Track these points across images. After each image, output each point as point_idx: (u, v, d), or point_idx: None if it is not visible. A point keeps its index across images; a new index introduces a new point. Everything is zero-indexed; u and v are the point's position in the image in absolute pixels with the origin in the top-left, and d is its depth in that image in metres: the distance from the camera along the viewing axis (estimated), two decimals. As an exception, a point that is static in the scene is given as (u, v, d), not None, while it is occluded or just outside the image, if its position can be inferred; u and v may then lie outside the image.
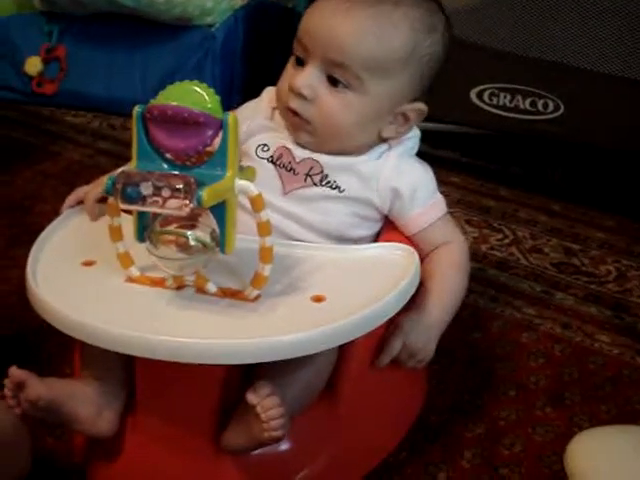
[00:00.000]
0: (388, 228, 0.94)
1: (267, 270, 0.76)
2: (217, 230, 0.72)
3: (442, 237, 0.93)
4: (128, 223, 0.78)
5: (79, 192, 0.95)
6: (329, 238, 0.91)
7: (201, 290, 0.78)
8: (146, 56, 2.00)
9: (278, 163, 0.92)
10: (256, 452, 0.80)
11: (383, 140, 0.93)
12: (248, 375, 0.80)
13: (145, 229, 0.74)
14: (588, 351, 1.17)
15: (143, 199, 0.68)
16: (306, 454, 0.86)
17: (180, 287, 0.79)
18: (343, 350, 0.83)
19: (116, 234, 0.79)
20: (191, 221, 0.73)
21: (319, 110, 0.88)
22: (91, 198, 0.92)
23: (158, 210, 0.69)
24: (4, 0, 2.17)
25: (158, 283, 0.80)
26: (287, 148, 0.92)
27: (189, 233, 0.72)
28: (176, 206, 0.67)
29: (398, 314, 0.82)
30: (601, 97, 1.49)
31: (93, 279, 0.82)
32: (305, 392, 0.82)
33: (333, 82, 0.88)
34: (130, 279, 0.81)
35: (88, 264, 0.84)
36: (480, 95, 1.58)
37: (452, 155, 1.73)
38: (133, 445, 0.85)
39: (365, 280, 0.83)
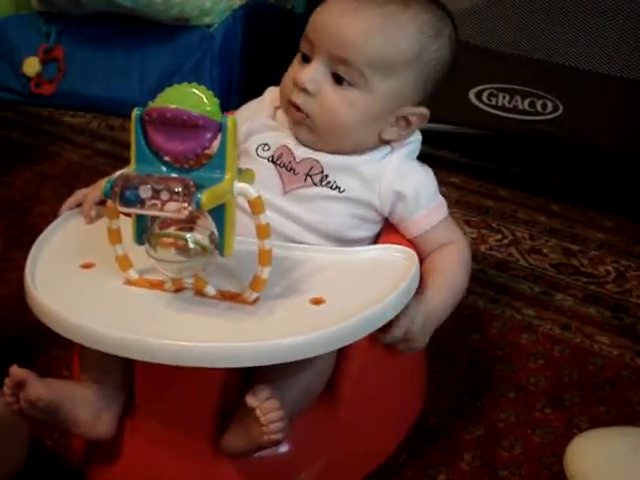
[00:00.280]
0: (388, 230, 0.94)
1: (266, 273, 0.75)
2: (216, 233, 0.72)
3: (444, 238, 0.93)
4: (127, 225, 0.78)
5: (78, 194, 0.95)
6: (328, 239, 0.91)
7: (200, 293, 0.78)
8: (144, 56, 2.00)
9: (278, 162, 0.92)
10: (255, 455, 0.80)
11: (385, 142, 0.93)
12: (247, 378, 0.80)
13: (144, 232, 0.74)
14: (587, 352, 1.17)
15: (142, 202, 0.68)
16: (305, 456, 0.86)
17: (179, 290, 0.79)
18: (342, 352, 0.82)
19: (115, 237, 0.79)
20: (190, 224, 0.73)
21: (321, 105, 0.88)
22: (90, 201, 0.92)
23: (157, 213, 0.68)
24: (2, 1, 2.17)
25: (157, 286, 0.80)
26: (288, 148, 0.92)
27: (188, 236, 0.72)
28: (175, 209, 0.67)
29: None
30: (600, 98, 1.49)
31: (92, 282, 0.82)
32: (304, 395, 0.81)
33: (338, 79, 0.88)
34: (129, 282, 0.81)
35: (87, 266, 0.84)
36: (479, 95, 1.58)
37: (451, 155, 1.73)
38: (132, 448, 0.85)
39: (364, 282, 0.82)
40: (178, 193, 0.67)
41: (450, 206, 0.97)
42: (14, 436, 0.84)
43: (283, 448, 0.82)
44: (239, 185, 0.72)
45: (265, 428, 0.74)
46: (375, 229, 0.94)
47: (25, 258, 0.85)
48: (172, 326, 0.75)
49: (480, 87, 1.58)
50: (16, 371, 0.78)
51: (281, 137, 0.93)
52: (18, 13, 2.15)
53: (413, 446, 0.97)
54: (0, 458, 0.82)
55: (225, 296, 0.78)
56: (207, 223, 0.72)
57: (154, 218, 0.73)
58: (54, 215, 0.94)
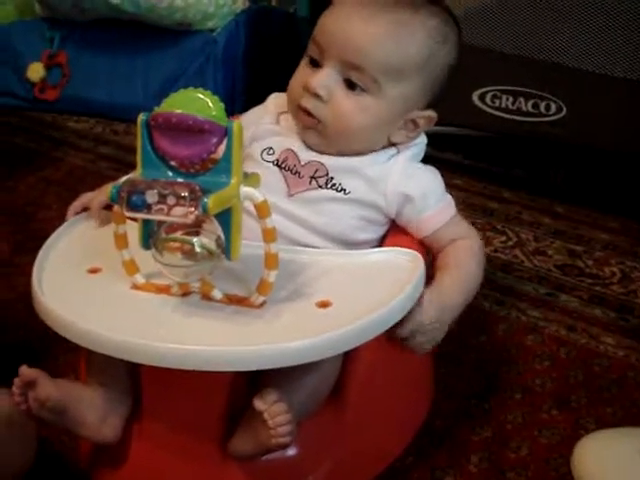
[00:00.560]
0: (393, 232, 0.94)
1: (272, 276, 0.76)
2: (222, 237, 0.72)
3: (455, 235, 0.93)
4: (133, 230, 0.78)
5: (84, 198, 0.95)
6: (334, 241, 0.91)
7: (207, 297, 0.78)
8: (148, 61, 2.01)
9: (283, 166, 0.92)
10: (263, 458, 0.80)
11: (391, 144, 0.93)
12: (254, 381, 0.80)
13: (150, 236, 0.74)
14: (593, 353, 1.16)
15: (148, 207, 0.68)
16: (312, 459, 0.86)
17: (185, 294, 0.79)
18: (349, 355, 0.82)
19: (121, 241, 0.79)
20: (196, 228, 0.73)
21: (333, 111, 0.89)
22: (96, 205, 0.92)
23: (163, 218, 0.69)
24: (6, 7, 2.17)
25: (163, 290, 0.80)
26: (292, 151, 0.92)
27: (194, 240, 0.72)
28: (181, 214, 0.67)
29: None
30: (603, 99, 1.49)
31: (99, 286, 0.82)
32: (311, 398, 0.81)
33: (350, 85, 0.89)
34: (135, 286, 0.81)
35: (94, 271, 0.84)
36: (482, 97, 1.58)
37: (455, 157, 1.73)
38: (139, 451, 0.85)
39: (371, 285, 0.82)
40: (184, 198, 0.67)
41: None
42: (23, 436, 0.84)
43: (290, 451, 0.82)
44: (245, 189, 0.72)
45: (273, 431, 0.74)
46: (380, 231, 0.94)
47: (31, 263, 0.85)
48: (179, 330, 0.75)
49: (484, 89, 1.58)
50: (26, 371, 0.79)
51: (285, 141, 0.94)
52: (22, 19, 2.16)
53: (420, 448, 0.97)
54: (9, 457, 0.83)
55: (232, 300, 0.78)
56: (213, 227, 0.72)
57: (160, 223, 0.73)
58: (59, 220, 0.94)
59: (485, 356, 1.15)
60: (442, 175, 0.96)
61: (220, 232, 0.72)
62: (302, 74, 0.92)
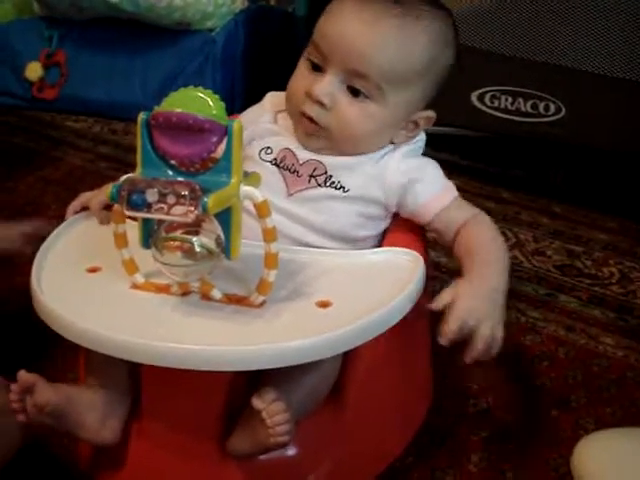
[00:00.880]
0: (393, 231, 0.94)
1: (272, 276, 0.75)
2: (222, 236, 0.72)
3: (461, 215, 0.91)
4: (132, 229, 0.78)
5: (83, 198, 0.95)
6: (333, 239, 0.91)
7: (206, 296, 0.78)
8: (146, 61, 2.01)
9: (281, 165, 0.92)
10: (262, 457, 0.80)
11: (391, 143, 0.94)
12: (253, 380, 0.80)
13: (150, 235, 0.74)
14: (592, 354, 1.17)
15: (148, 206, 0.67)
16: (312, 459, 0.86)
17: (185, 293, 0.79)
18: (348, 355, 0.82)
19: (121, 241, 0.79)
20: (196, 227, 0.73)
21: (337, 118, 0.88)
22: (96, 205, 0.92)
23: (163, 217, 0.68)
24: (4, 5, 2.17)
25: (163, 289, 0.80)
26: (290, 150, 0.92)
27: (194, 239, 0.72)
28: (181, 213, 0.67)
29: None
30: (603, 99, 1.49)
31: (98, 286, 0.82)
32: (311, 397, 0.81)
33: (353, 92, 0.88)
34: (135, 286, 0.81)
35: (93, 271, 0.84)
36: (481, 98, 1.58)
37: (451, 158, 1.73)
38: (139, 452, 0.85)
39: (371, 285, 0.82)
40: (184, 197, 0.67)
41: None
42: (5, 425, 0.84)
43: (290, 451, 0.82)
44: (245, 189, 0.72)
45: (271, 430, 0.74)
46: (380, 227, 0.94)
47: (30, 263, 0.85)
48: (178, 330, 0.75)
49: (482, 89, 1.58)
50: (25, 376, 0.78)
51: (283, 141, 0.94)
52: (20, 18, 2.16)
53: (420, 448, 0.97)
54: None
55: (231, 299, 0.78)
56: (213, 226, 0.72)
57: (160, 222, 0.73)
58: (58, 219, 0.94)
59: (484, 356, 1.15)
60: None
61: (220, 231, 0.72)
62: (303, 79, 0.91)
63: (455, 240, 0.91)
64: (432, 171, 0.94)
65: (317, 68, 0.90)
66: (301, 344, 0.73)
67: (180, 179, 0.70)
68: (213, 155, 0.71)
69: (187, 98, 0.70)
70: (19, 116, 2.06)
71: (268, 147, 0.94)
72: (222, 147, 0.71)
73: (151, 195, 0.67)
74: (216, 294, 0.78)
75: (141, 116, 0.72)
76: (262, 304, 0.78)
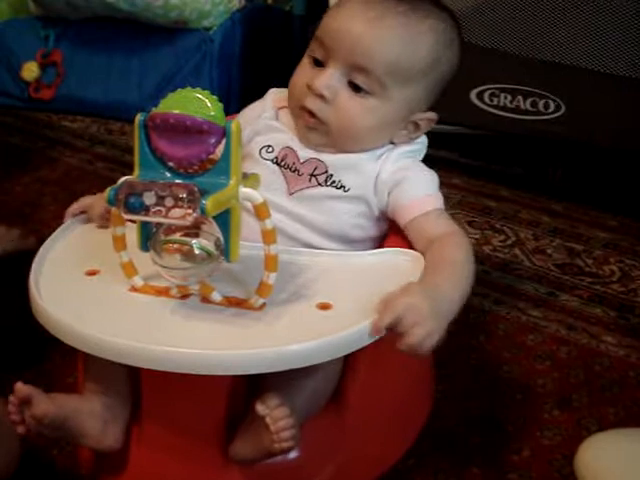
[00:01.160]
0: (394, 232, 0.93)
1: (272, 278, 0.75)
2: (221, 238, 0.71)
3: (436, 229, 0.87)
4: (130, 232, 0.77)
5: (82, 202, 0.94)
6: (333, 239, 0.90)
7: (206, 299, 0.78)
8: (143, 60, 2.00)
9: (282, 164, 0.92)
10: (263, 462, 0.79)
11: (391, 143, 0.93)
12: (254, 384, 0.79)
13: (149, 238, 0.73)
14: (594, 353, 1.16)
15: (146, 209, 0.67)
16: (314, 463, 0.85)
17: (185, 296, 0.78)
18: (349, 357, 0.81)
19: (120, 243, 0.78)
20: (195, 230, 0.72)
21: (337, 112, 0.88)
22: (96, 214, 0.91)
23: (161, 220, 0.68)
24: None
25: (162, 292, 0.79)
26: (291, 149, 0.92)
27: (193, 242, 0.71)
28: (180, 215, 0.66)
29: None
30: (602, 97, 1.48)
31: (97, 289, 0.81)
32: (312, 401, 0.81)
33: (354, 87, 0.88)
34: (134, 288, 0.80)
35: (92, 274, 0.84)
36: (480, 96, 1.58)
37: (451, 156, 1.72)
38: (140, 457, 0.84)
39: (371, 286, 0.81)
40: (182, 199, 0.66)
41: (452, 207, 0.97)
42: (6, 436, 0.83)
43: (292, 455, 0.81)
44: (244, 190, 0.71)
45: (276, 436, 0.73)
46: (381, 228, 0.93)
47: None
48: (178, 333, 0.74)
49: (481, 87, 1.57)
50: (22, 388, 0.77)
51: (285, 138, 0.93)
52: (16, 17, 2.15)
53: (422, 451, 0.96)
54: None
55: (231, 302, 0.78)
56: (212, 229, 0.71)
57: (159, 225, 0.72)
58: (56, 221, 0.93)
59: (485, 356, 1.14)
60: (440, 174, 0.94)
61: (219, 234, 0.71)
62: (305, 74, 0.90)
63: (425, 251, 0.86)
64: (421, 176, 0.92)
65: (319, 64, 0.90)
66: (302, 347, 0.72)
67: (178, 181, 0.69)
68: (211, 157, 0.71)
69: (185, 99, 0.69)
70: (15, 116, 2.05)
71: (269, 145, 0.93)
72: (220, 148, 0.70)
73: (149, 198, 0.66)
74: (216, 297, 0.77)
75: (138, 117, 0.71)
76: (262, 307, 0.77)
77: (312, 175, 0.91)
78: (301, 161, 0.91)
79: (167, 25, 1.97)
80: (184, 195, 0.66)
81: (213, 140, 0.68)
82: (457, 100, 1.56)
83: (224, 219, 0.71)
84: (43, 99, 2.06)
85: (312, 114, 0.89)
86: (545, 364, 1.13)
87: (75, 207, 0.94)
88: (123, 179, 0.71)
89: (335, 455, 0.86)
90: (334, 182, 0.90)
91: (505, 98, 1.56)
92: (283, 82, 0.95)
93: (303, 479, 0.86)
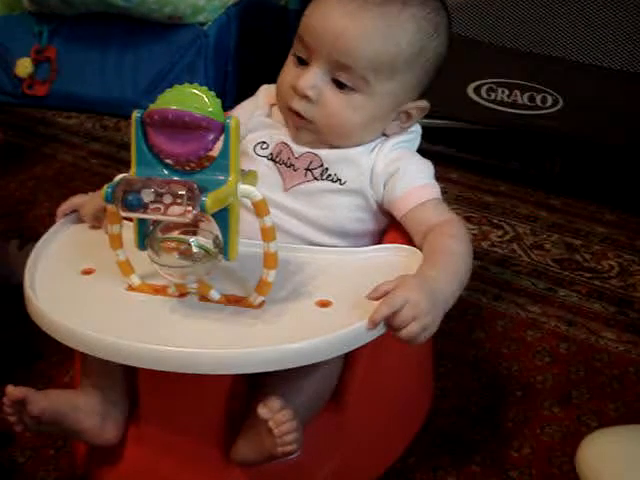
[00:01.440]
0: (393, 226, 0.92)
1: (272, 276, 0.74)
2: (220, 236, 0.70)
3: (435, 217, 0.86)
4: (126, 230, 0.77)
5: (73, 200, 0.93)
6: (331, 233, 0.90)
7: (204, 297, 0.77)
8: (138, 56, 1.99)
9: (277, 160, 0.91)
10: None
11: (384, 135, 0.92)
12: (254, 383, 0.78)
13: (146, 236, 0.72)
14: (594, 348, 1.15)
15: (145, 206, 0.66)
16: (314, 462, 0.84)
17: (183, 295, 0.77)
18: (349, 356, 0.81)
19: (116, 241, 0.77)
20: (193, 227, 0.71)
21: (324, 111, 0.87)
22: (89, 213, 0.90)
23: (160, 217, 0.67)
24: (-8, 2, 2.15)
25: (160, 291, 0.78)
26: (286, 144, 0.91)
27: (192, 240, 0.70)
28: (178, 213, 0.65)
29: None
30: (600, 91, 1.48)
31: (93, 288, 0.80)
32: (313, 400, 0.80)
33: (339, 85, 0.87)
34: (131, 287, 0.79)
35: (87, 273, 0.83)
36: (477, 90, 1.57)
37: (448, 151, 1.71)
38: (136, 455, 0.83)
39: (370, 283, 0.80)
40: (182, 196, 0.65)
41: (450, 202, 0.96)
42: None
43: (292, 455, 0.81)
44: (243, 187, 0.70)
45: (279, 440, 0.72)
46: (379, 222, 0.92)
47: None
48: (177, 332, 0.73)
49: (478, 82, 1.56)
50: (14, 391, 0.76)
51: (279, 134, 0.92)
52: (9, 13, 2.13)
53: (421, 448, 0.96)
54: None
55: (230, 300, 0.77)
56: (211, 226, 0.70)
57: (155, 222, 0.71)
58: (50, 218, 0.92)
59: (484, 353, 1.14)
60: (437, 169, 0.93)
61: (218, 231, 0.70)
62: (290, 74, 0.89)
63: (423, 243, 0.85)
64: (415, 166, 0.91)
65: (303, 62, 0.88)
66: (302, 346, 0.71)
67: (176, 178, 0.68)
68: (209, 153, 0.70)
69: (182, 95, 0.68)
70: (9, 113, 2.04)
71: (263, 141, 0.92)
72: (219, 145, 0.69)
73: (147, 195, 0.65)
74: (214, 295, 0.76)
75: (135, 114, 0.70)
76: (261, 304, 0.76)
77: (308, 169, 0.90)
78: (296, 156, 0.90)
79: (161, 20, 1.95)
80: (183, 192, 0.65)
81: (212, 136, 0.67)
82: (454, 95, 1.55)
83: (223, 217, 0.70)
84: (37, 95, 2.04)
85: (299, 115, 0.88)
86: (544, 360, 1.13)
87: (66, 206, 0.92)
88: (120, 176, 0.70)
89: (335, 454, 0.86)
90: (330, 176, 0.89)
91: (502, 93, 1.55)
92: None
93: (302, 478, 0.85)
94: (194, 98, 0.68)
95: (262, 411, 0.72)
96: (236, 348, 0.71)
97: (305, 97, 0.87)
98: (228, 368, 0.71)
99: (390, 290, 0.74)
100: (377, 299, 0.74)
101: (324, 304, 0.77)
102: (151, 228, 0.72)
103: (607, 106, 1.48)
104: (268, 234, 0.72)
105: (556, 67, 1.49)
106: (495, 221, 1.53)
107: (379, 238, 0.93)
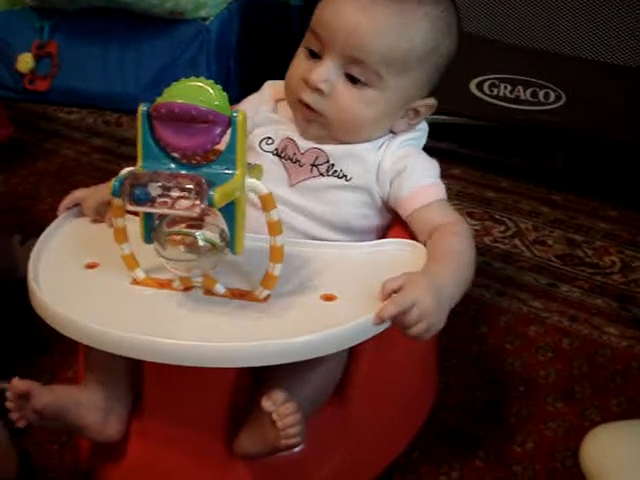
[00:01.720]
0: (397, 222, 0.92)
1: (278, 270, 0.74)
2: (227, 230, 0.70)
3: (440, 218, 0.87)
4: (129, 224, 0.77)
5: (76, 194, 0.92)
6: (336, 229, 0.90)
7: (209, 291, 0.77)
8: (139, 51, 1.99)
9: (283, 155, 0.91)
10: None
11: (391, 131, 0.92)
12: (258, 376, 0.78)
13: (152, 230, 0.72)
14: (597, 344, 1.16)
15: (152, 200, 0.66)
16: (317, 456, 0.85)
17: (188, 289, 0.77)
18: (353, 350, 0.81)
19: (121, 235, 0.77)
20: (198, 221, 0.71)
21: (335, 105, 0.87)
22: (90, 208, 0.90)
23: (168, 211, 0.67)
24: (-7, -3, 2.14)
25: (165, 285, 0.78)
26: (291, 139, 0.91)
27: (198, 233, 0.70)
28: (186, 206, 0.65)
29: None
30: (603, 87, 1.47)
31: (98, 282, 0.80)
32: (317, 394, 0.80)
33: (351, 79, 0.86)
34: (136, 281, 0.79)
35: (91, 267, 0.82)
36: (480, 86, 1.57)
37: (450, 146, 1.71)
38: (140, 450, 0.83)
39: (375, 277, 0.80)
40: (190, 190, 0.65)
41: (452, 198, 0.95)
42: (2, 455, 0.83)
43: (296, 448, 0.81)
44: (249, 181, 0.71)
45: (282, 432, 0.72)
46: (384, 218, 0.92)
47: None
48: (182, 326, 0.73)
49: (481, 77, 1.56)
50: (18, 383, 0.76)
51: (284, 130, 0.92)
52: (11, 8, 2.13)
53: (425, 443, 0.96)
54: None
55: (235, 294, 0.77)
56: (217, 220, 0.70)
57: (161, 216, 0.71)
58: (53, 213, 0.92)
59: (487, 348, 1.14)
60: (439, 165, 0.93)
61: (224, 225, 0.70)
62: (301, 66, 0.89)
63: (427, 239, 0.86)
64: (422, 165, 0.91)
65: (315, 55, 0.88)
66: (307, 340, 0.71)
67: (183, 172, 0.68)
68: (215, 147, 0.70)
69: (188, 89, 0.68)
70: (11, 108, 2.03)
71: (269, 137, 0.92)
72: (225, 139, 0.69)
73: (154, 189, 0.65)
74: (219, 289, 0.76)
75: (141, 108, 0.70)
76: (267, 298, 0.76)
77: (313, 165, 0.90)
78: (302, 151, 0.90)
79: (163, 16, 1.95)
80: (191, 186, 0.65)
81: (219, 130, 0.67)
82: (457, 91, 1.55)
83: (229, 210, 0.70)
84: (38, 90, 2.04)
85: (310, 107, 0.88)
86: (547, 355, 1.13)
87: (68, 200, 0.92)
88: (127, 170, 0.70)
89: (338, 448, 0.86)
90: (336, 172, 0.89)
91: (505, 88, 1.55)
92: (280, 73, 0.94)
93: (306, 472, 0.85)
94: (201, 91, 0.67)
95: (266, 404, 0.72)
96: (242, 341, 0.71)
97: (317, 90, 0.86)
98: (233, 361, 0.71)
99: (397, 288, 0.75)
100: (385, 299, 0.75)
101: (329, 298, 0.77)
102: (157, 222, 0.72)
103: (610, 102, 1.48)
104: (274, 228, 0.72)
105: (559, 63, 1.49)
106: (497, 217, 1.53)
107: (383, 234, 0.93)
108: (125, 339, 0.71)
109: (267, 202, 0.71)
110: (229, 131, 0.69)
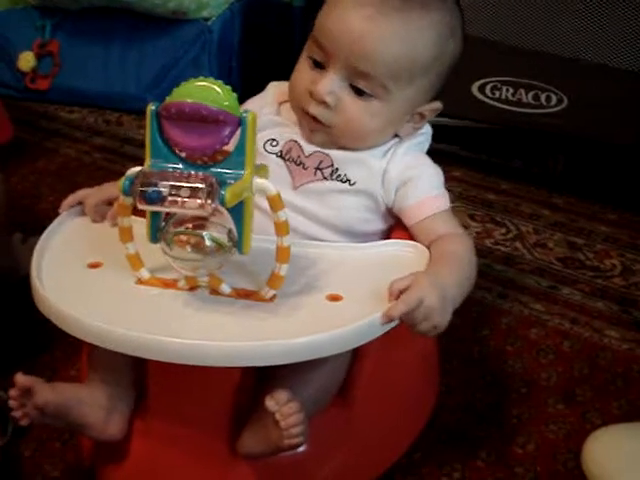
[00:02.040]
0: (399, 226, 0.92)
1: (284, 270, 0.74)
2: (234, 229, 0.70)
3: (443, 229, 0.88)
4: (134, 223, 0.77)
5: (79, 193, 0.92)
6: (339, 232, 0.90)
7: (215, 291, 0.77)
8: (141, 51, 1.98)
9: (287, 157, 0.91)
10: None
11: (396, 135, 0.92)
12: (262, 376, 0.79)
13: (158, 229, 0.72)
14: (597, 346, 1.16)
15: (163, 199, 0.66)
16: (320, 456, 0.85)
17: (193, 288, 0.78)
18: (356, 351, 0.81)
19: (126, 235, 0.77)
20: (203, 221, 0.71)
21: (342, 116, 0.87)
22: (91, 205, 0.90)
23: (179, 210, 0.67)
24: (-5, -5, 2.14)
25: (170, 285, 0.78)
26: (296, 142, 0.91)
27: (205, 233, 0.70)
28: (197, 206, 0.65)
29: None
30: (605, 90, 1.48)
31: (102, 281, 0.80)
32: (321, 394, 0.80)
33: (357, 91, 0.86)
34: (140, 281, 0.79)
35: (94, 266, 0.82)
36: (482, 89, 1.57)
37: (451, 149, 1.71)
38: (144, 449, 0.84)
39: (380, 278, 0.80)
40: (201, 190, 0.65)
41: (453, 200, 0.95)
42: None
43: (299, 448, 0.81)
44: (259, 181, 0.71)
45: (285, 432, 0.72)
46: (386, 223, 0.93)
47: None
48: (188, 326, 0.73)
49: (483, 80, 1.56)
50: (22, 379, 0.76)
51: (289, 132, 0.92)
52: (12, 7, 2.13)
53: (427, 444, 0.96)
54: None
55: (240, 294, 0.77)
56: (224, 220, 0.70)
57: (168, 216, 0.71)
58: (54, 212, 0.92)
59: (489, 350, 1.14)
60: (440, 167, 0.94)
61: (232, 225, 0.70)
62: (306, 77, 0.88)
63: (430, 248, 0.86)
64: (427, 174, 0.91)
65: (318, 65, 0.88)
66: (312, 340, 0.71)
67: (193, 172, 0.68)
68: (225, 147, 0.70)
69: (198, 88, 0.68)
70: (12, 107, 2.03)
71: (273, 139, 0.92)
72: (234, 139, 0.69)
73: (165, 188, 0.65)
74: (225, 289, 0.76)
75: (150, 107, 0.70)
76: (273, 298, 0.76)
77: (317, 168, 0.90)
78: (306, 154, 0.90)
79: (165, 15, 1.95)
80: (202, 186, 0.65)
81: (228, 130, 0.67)
82: (459, 93, 1.55)
83: (238, 210, 0.70)
84: (39, 89, 2.04)
85: (316, 119, 0.87)
86: (548, 358, 1.13)
87: (71, 199, 0.92)
88: (136, 169, 0.70)
89: (341, 449, 0.86)
90: (339, 176, 0.89)
91: (507, 91, 1.55)
92: (282, 74, 0.94)
93: (309, 472, 0.85)
94: (210, 91, 0.67)
95: (269, 403, 0.72)
96: (246, 341, 0.71)
97: (323, 103, 0.86)
98: (238, 361, 0.71)
99: (404, 288, 0.75)
100: (394, 299, 0.75)
101: (335, 298, 0.78)
102: (163, 221, 0.72)
103: (612, 105, 1.48)
104: (282, 228, 0.73)
105: (561, 66, 1.49)
106: (498, 219, 1.53)
107: (385, 237, 0.93)
108: (130, 338, 0.71)
109: (275, 202, 0.72)
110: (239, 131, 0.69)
